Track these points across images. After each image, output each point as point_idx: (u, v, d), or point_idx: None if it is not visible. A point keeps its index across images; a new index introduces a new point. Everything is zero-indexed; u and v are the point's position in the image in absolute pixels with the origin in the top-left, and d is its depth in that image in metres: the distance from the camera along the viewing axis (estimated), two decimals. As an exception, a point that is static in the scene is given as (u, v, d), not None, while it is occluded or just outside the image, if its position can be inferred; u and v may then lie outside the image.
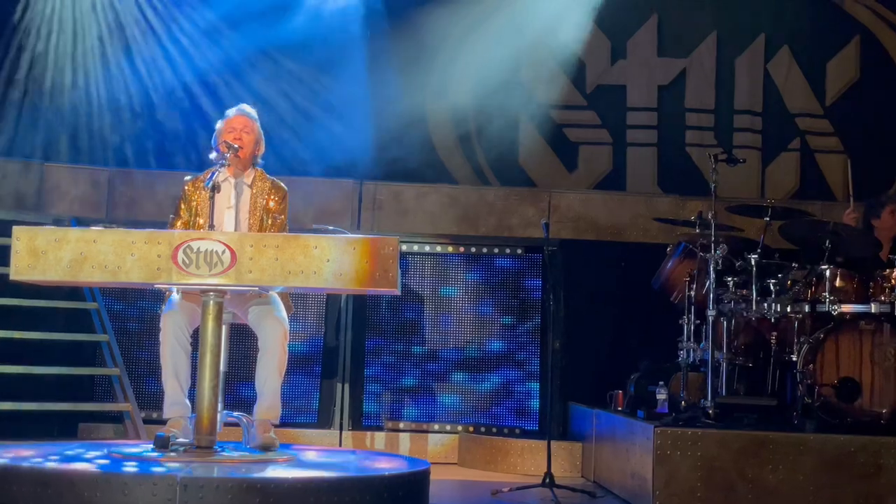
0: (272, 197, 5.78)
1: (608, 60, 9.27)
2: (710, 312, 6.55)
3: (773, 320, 6.60)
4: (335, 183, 8.58)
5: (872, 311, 6.36)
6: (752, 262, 6.63)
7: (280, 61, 8.81)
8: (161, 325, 5.51)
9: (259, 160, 5.87)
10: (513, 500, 6.42)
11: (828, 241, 6.55)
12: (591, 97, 9.23)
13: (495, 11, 9.11)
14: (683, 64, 9.29)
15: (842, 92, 9.24)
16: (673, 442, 5.78)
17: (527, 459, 7.58)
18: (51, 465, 4.84)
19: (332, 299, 8.15)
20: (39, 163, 8.35)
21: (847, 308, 6.43)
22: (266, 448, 5.42)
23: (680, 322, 7.00)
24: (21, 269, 4.93)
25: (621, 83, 9.29)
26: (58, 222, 7.79)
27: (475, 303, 8.29)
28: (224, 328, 5.28)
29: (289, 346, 5.61)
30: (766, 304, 6.59)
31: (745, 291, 6.70)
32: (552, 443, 6.76)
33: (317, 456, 5.81)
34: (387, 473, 5.10)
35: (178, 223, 5.75)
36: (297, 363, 7.95)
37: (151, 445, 5.26)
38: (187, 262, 4.89)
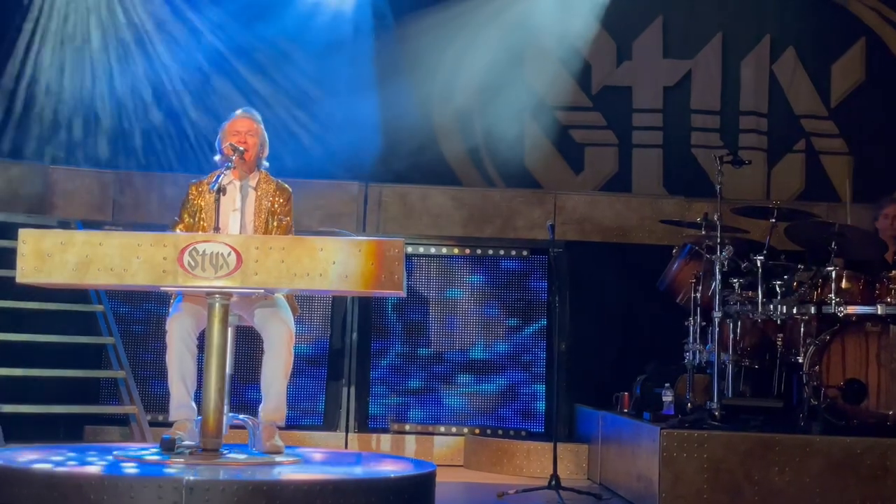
0: (277, 199, 5.78)
1: (614, 62, 9.27)
2: (716, 314, 6.54)
3: (779, 322, 6.59)
4: (340, 185, 8.58)
5: (879, 312, 6.35)
6: (758, 264, 6.62)
7: (287, 62, 8.81)
8: (167, 327, 5.51)
9: (264, 162, 5.88)
10: (519, 503, 6.42)
11: (833, 243, 6.54)
12: (597, 98, 9.23)
13: (501, 12, 9.12)
14: (689, 65, 9.29)
15: (847, 94, 9.24)
16: (679, 444, 5.78)
17: (533, 461, 7.58)
18: (57, 467, 4.84)
19: (337, 301, 8.15)
20: (45, 165, 8.36)
21: (853, 310, 6.42)
22: (272, 451, 5.42)
23: (686, 324, 6.99)
24: (27, 271, 4.94)
25: (627, 84, 9.28)
26: (64, 225, 7.79)
27: (481, 304, 8.28)
28: (230, 330, 5.28)
29: (294, 348, 5.61)
30: (771, 306, 6.58)
31: (750, 293, 6.69)
32: (558, 445, 6.76)
33: (322, 458, 5.80)
34: (393, 476, 5.10)
35: (181, 226, 5.75)
36: (303, 365, 7.96)
37: (157, 448, 5.26)
38: (193, 264, 4.90)
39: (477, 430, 8.12)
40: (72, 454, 5.34)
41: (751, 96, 9.26)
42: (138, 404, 7.38)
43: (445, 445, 8.10)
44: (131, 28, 8.70)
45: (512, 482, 7.04)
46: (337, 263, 4.90)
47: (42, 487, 4.69)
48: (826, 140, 9.22)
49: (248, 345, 6.83)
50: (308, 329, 8.07)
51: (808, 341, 6.47)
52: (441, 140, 9.11)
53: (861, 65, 9.25)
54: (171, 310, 5.59)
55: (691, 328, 6.92)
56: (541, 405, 8.15)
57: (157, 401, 7.60)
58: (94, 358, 7.83)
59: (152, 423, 7.40)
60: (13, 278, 5.03)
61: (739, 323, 6.69)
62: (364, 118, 8.68)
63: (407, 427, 8.15)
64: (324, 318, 8.19)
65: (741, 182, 8.58)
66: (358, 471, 5.31)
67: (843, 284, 6.51)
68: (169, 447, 5.14)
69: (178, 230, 5.72)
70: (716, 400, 6.33)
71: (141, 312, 8.01)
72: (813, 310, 6.50)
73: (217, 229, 5.36)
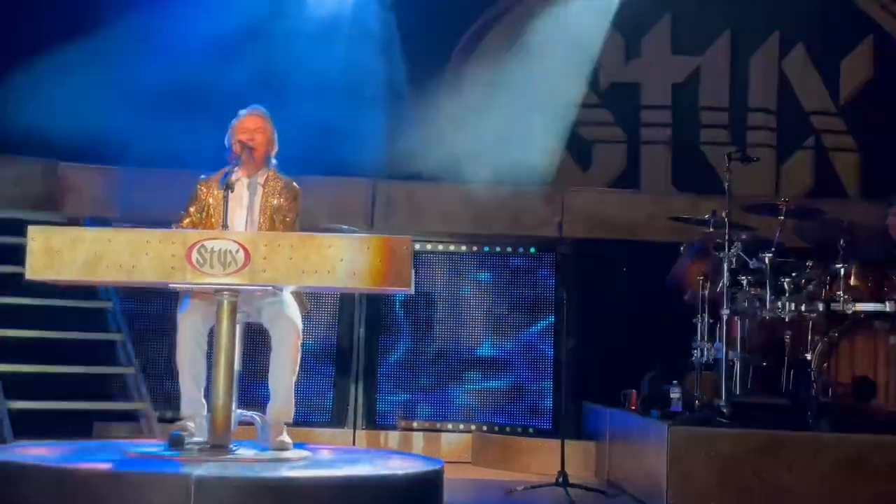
0: (283, 196, 5.78)
1: (622, 58, 9.26)
2: (725, 311, 6.54)
3: (787, 319, 6.58)
4: (349, 182, 8.59)
5: (887, 310, 6.34)
6: (767, 261, 6.62)
7: (294, 56, 8.81)
8: (177, 324, 5.53)
9: (272, 160, 5.88)
10: (526, 500, 6.43)
11: (842, 240, 6.53)
12: (606, 95, 9.22)
13: (510, 9, 9.12)
14: (698, 62, 9.28)
15: (856, 90, 9.22)
16: (687, 441, 5.78)
17: (540, 459, 7.58)
18: (66, 463, 4.85)
19: (345, 298, 8.16)
20: (54, 162, 8.37)
21: (862, 307, 6.41)
22: (280, 447, 5.43)
23: (694, 321, 6.98)
24: (37, 268, 4.95)
25: (635, 81, 9.28)
26: (73, 222, 7.81)
27: (488, 302, 8.29)
28: (238, 327, 5.29)
29: (302, 345, 5.61)
30: (780, 303, 6.57)
31: (759, 290, 6.68)
32: (566, 442, 6.76)
33: (330, 455, 5.81)
34: (401, 473, 5.10)
35: (187, 221, 5.75)
36: (311, 362, 7.97)
37: (166, 444, 5.27)
38: (201, 261, 4.90)
39: (485, 427, 8.12)
40: (81, 450, 5.35)
41: (759, 93, 9.25)
42: (147, 401, 7.40)
43: (453, 442, 8.10)
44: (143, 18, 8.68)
45: (520, 479, 7.05)
46: (345, 260, 4.91)
47: (51, 484, 4.70)
48: (835, 137, 9.21)
49: (257, 342, 6.84)
50: (316, 326, 8.07)
51: (816, 339, 6.46)
52: (449, 137, 9.10)
53: (870, 61, 9.24)
54: (180, 307, 5.60)
55: (699, 326, 6.91)
56: (548, 402, 8.15)
57: (165, 397, 7.61)
58: (103, 354, 7.85)
59: (161, 420, 7.41)
60: (22, 275, 5.04)
61: (748, 320, 6.68)
62: (373, 115, 8.68)
63: (415, 424, 8.15)
64: (332, 314, 8.20)
65: (750, 179, 8.54)
66: (366, 468, 5.32)
67: (852, 282, 6.50)
68: (178, 443, 5.16)
69: (184, 224, 5.73)
70: (724, 397, 6.32)
71: (150, 309, 8.02)
72: (822, 307, 6.49)
73: (225, 226, 5.37)
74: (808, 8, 9.25)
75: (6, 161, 8.32)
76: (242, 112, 5.85)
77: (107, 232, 5.02)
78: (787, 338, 6.60)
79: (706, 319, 6.88)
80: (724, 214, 6.60)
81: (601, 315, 8.24)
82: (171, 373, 5.60)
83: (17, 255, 6.17)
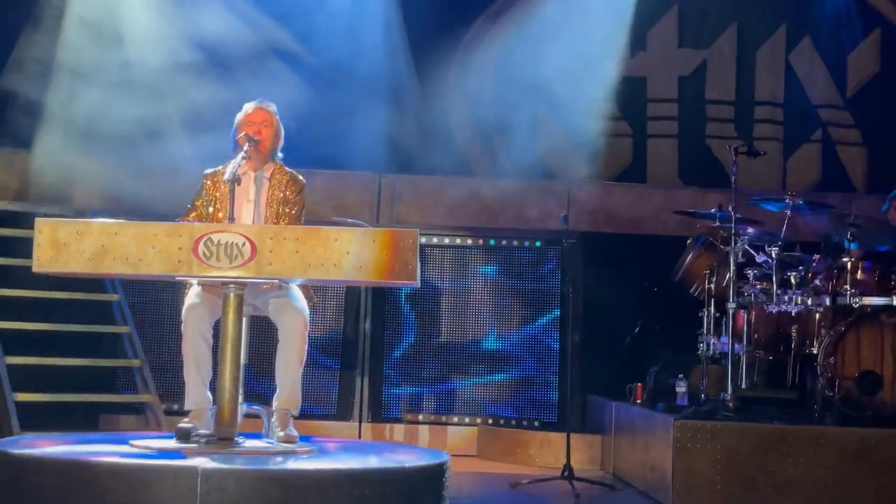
0: (289, 189, 5.78)
1: (629, 52, 9.24)
2: (731, 305, 6.54)
3: (793, 313, 6.59)
4: (355, 175, 8.59)
5: (894, 303, 6.34)
6: (773, 255, 6.62)
7: (303, 54, 8.81)
8: (183, 317, 5.53)
9: (278, 153, 5.88)
10: (532, 493, 6.43)
11: (849, 234, 6.52)
12: (612, 89, 9.20)
13: (515, 3, 9.11)
14: (704, 55, 9.27)
15: (863, 84, 9.21)
16: (692, 435, 5.78)
17: (546, 452, 7.58)
18: (73, 456, 4.86)
19: (351, 291, 8.16)
20: (61, 156, 8.38)
21: (868, 301, 6.41)
22: (286, 440, 5.44)
23: (700, 315, 6.98)
24: (43, 261, 4.95)
25: (641, 75, 9.26)
26: (79, 214, 7.81)
27: (494, 295, 8.29)
28: (244, 320, 5.30)
29: (308, 338, 5.62)
30: (786, 297, 6.58)
31: (765, 284, 6.68)
32: (571, 435, 6.77)
33: (336, 448, 5.82)
34: (406, 466, 5.11)
35: (193, 215, 5.76)
36: (317, 355, 7.98)
37: (173, 437, 5.28)
38: (208, 254, 4.91)
39: (490, 421, 8.13)
40: (87, 443, 5.36)
41: (766, 86, 9.24)
42: (154, 393, 7.42)
43: (459, 435, 8.11)
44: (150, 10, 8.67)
45: (525, 472, 7.05)
46: (351, 254, 4.91)
47: (58, 476, 4.71)
48: (842, 130, 9.19)
49: (263, 335, 6.85)
50: (322, 319, 8.08)
51: (822, 332, 6.46)
52: (455, 130, 9.11)
53: (877, 55, 9.22)
54: (186, 300, 5.61)
55: (705, 319, 6.91)
56: (554, 395, 8.15)
57: (172, 390, 7.63)
58: (109, 347, 7.87)
59: (167, 412, 7.43)
60: (29, 268, 5.05)
61: (754, 314, 6.68)
62: (379, 108, 8.68)
63: (420, 417, 8.17)
64: (337, 307, 8.21)
65: (756, 172, 8.56)
66: (372, 460, 5.32)
67: (858, 275, 6.50)
68: (184, 436, 5.16)
69: (190, 218, 5.73)
70: (730, 391, 6.33)
71: (156, 302, 8.03)
72: (828, 301, 6.49)
73: (232, 220, 5.37)
74: (815, 1, 9.24)
75: (12, 154, 8.33)
76: (248, 105, 5.85)
77: (113, 225, 5.02)
78: (794, 332, 6.60)
79: (712, 313, 6.88)
80: (730, 208, 6.60)
81: (606, 308, 8.24)
82: (178, 365, 5.61)
83: (24, 247, 6.19)
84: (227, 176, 5.43)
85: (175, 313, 5.75)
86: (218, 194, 5.74)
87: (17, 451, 4.91)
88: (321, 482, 4.73)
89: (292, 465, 4.99)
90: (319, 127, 8.58)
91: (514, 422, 8.11)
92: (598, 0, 8.94)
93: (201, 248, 4.91)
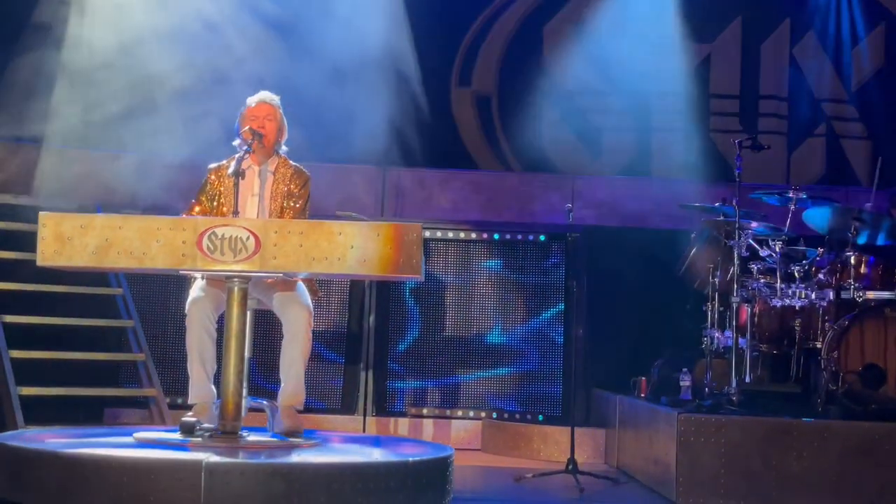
0: (293, 182, 5.79)
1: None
2: (735, 299, 6.53)
3: (797, 307, 6.58)
4: (359, 169, 8.59)
5: (898, 297, 6.34)
6: (777, 249, 6.61)
7: (304, 47, 8.80)
8: (187, 311, 5.54)
9: (282, 147, 5.88)
10: (536, 487, 6.43)
11: (853, 228, 6.52)
12: (616, 83, 9.20)
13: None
14: (708, 49, 9.25)
15: (867, 78, 9.19)
16: (696, 429, 5.78)
17: (550, 445, 7.59)
18: (77, 449, 4.87)
19: (355, 285, 8.17)
20: (65, 149, 8.38)
21: (872, 295, 6.40)
22: (290, 434, 5.45)
23: (704, 309, 6.98)
24: (47, 255, 4.97)
25: (646, 69, 9.25)
26: (83, 209, 7.81)
27: (498, 289, 8.28)
28: (248, 314, 5.30)
29: (312, 332, 5.62)
30: (790, 291, 6.57)
31: (769, 278, 6.68)
32: (575, 429, 6.76)
33: (341, 442, 5.83)
34: (411, 459, 5.11)
35: (197, 209, 5.76)
36: (321, 349, 7.98)
37: (177, 431, 5.29)
38: (212, 248, 4.91)
39: (494, 414, 8.13)
40: (91, 436, 5.38)
41: (771, 80, 9.22)
42: (158, 387, 7.42)
43: (463, 429, 8.11)
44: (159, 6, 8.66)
45: (529, 466, 7.06)
46: (355, 248, 4.91)
47: (62, 469, 4.72)
48: (846, 124, 9.18)
49: (267, 329, 6.86)
50: (326, 313, 8.09)
51: (826, 326, 6.46)
52: (459, 124, 9.11)
53: (881, 49, 9.20)
54: (190, 293, 5.61)
55: (709, 313, 6.91)
56: (558, 389, 8.15)
57: (176, 384, 7.63)
58: (113, 341, 7.88)
59: (172, 406, 7.43)
60: (33, 261, 5.06)
61: (757, 308, 6.67)
62: (382, 102, 8.67)
63: (424, 411, 8.17)
64: (342, 302, 8.21)
65: (761, 166, 8.54)
66: (376, 454, 5.33)
67: (862, 270, 6.49)
68: (188, 430, 5.17)
69: (194, 213, 5.74)
70: (734, 385, 6.32)
71: (160, 296, 8.03)
72: (832, 295, 6.49)
73: (236, 214, 5.38)
74: (819, -6, 9.25)
75: (15, 148, 8.33)
76: (251, 99, 5.85)
77: (117, 219, 5.02)
78: (797, 325, 6.60)
79: (716, 307, 6.88)
80: (734, 202, 6.59)
81: (611, 302, 8.24)
82: (182, 359, 5.62)
83: (28, 241, 6.20)
84: (231, 170, 5.44)
85: (179, 307, 5.76)
86: (222, 188, 5.74)
87: (21, 445, 4.93)
88: (325, 476, 4.74)
89: (296, 458, 4.99)
90: (324, 120, 8.58)
91: (518, 415, 8.12)
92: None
93: (205, 241, 4.92)
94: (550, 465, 6.92)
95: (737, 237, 6.55)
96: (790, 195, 6.79)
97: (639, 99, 9.19)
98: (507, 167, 9.06)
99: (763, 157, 7.60)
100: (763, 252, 6.78)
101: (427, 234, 8.09)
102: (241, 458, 4.81)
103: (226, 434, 5.14)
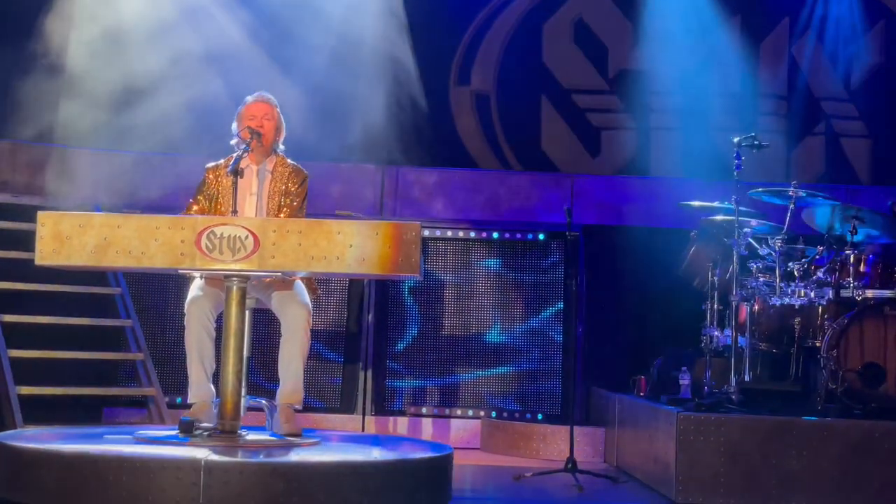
0: (291, 181, 5.78)
1: (631, 45, 9.23)
2: (734, 298, 6.53)
3: (796, 305, 6.58)
4: (358, 168, 8.58)
5: (898, 296, 6.34)
6: (776, 247, 6.60)
7: (302, 45, 8.79)
8: (186, 310, 5.54)
9: (280, 146, 5.88)
10: (535, 485, 6.43)
11: (853, 226, 6.51)
12: (614, 82, 9.20)
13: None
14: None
15: (867, 76, 9.18)
16: (696, 427, 5.77)
17: (549, 444, 7.58)
18: (76, 449, 4.87)
19: (354, 284, 8.16)
20: (63, 147, 8.38)
21: (871, 293, 6.40)
22: (289, 433, 5.44)
23: (703, 307, 6.97)
24: (46, 254, 4.97)
25: (644, 68, 9.25)
26: (82, 208, 7.81)
27: (498, 288, 8.28)
28: (247, 313, 5.30)
29: (311, 332, 5.62)
30: (789, 290, 6.57)
31: (768, 276, 6.68)
32: (575, 428, 6.76)
33: (340, 441, 5.82)
34: (410, 458, 5.11)
35: (195, 208, 5.76)
36: (320, 348, 7.98)
37: (176, 430, 5.28)
38: (211, 247, 4.91)
39: (494, 413, 8.12)
40: (90, 436, 5.37)
41: (770, 78, 9.21)
42: (157, 386, 7.42)
43: (462, 428, 8.11)
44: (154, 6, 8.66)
45: (529, 465, 7.05)
46: (354, 246, 4.91)
47: (61, 469, 4.72)
48: (846, 122, 9.17)
49: (266, 328, 6.85)
50: (325, 312, 8.08)
51: (826, 325, 6.45)
52: (458, 123, 9.11)
53: (881, 47, 9.20)
54: (189, 293, 5.61)
55: (709, 312, 6.91)
56: (557, 388, 8.15)
57: (175, 383, 7.63)
58: (112, 340, 7.87)
59: (170, 406, 7.43)
60: (32, 260, 5.06)
61: (757, 306, 6.67)
62: (380, 100, 8.67)
63: (424, 410, 8.16)
64: (340, 300, 8.20)
65: (760, 165, 8.52)
66: (375, 453, 5.33)
67: (862, 268, 6.49)
68: (187, 429, 5.17)
69: (192, 212, 5.73)
70: (733, 384, 6.32)
71: (159, 295, 8.02)
72: (831, 293, 6.48)
73: (235, 213, 5.37)
74: (819, -7, 9.23)
75: (15, 146, 8.33)
76: (249, 98, 5.85)
77: (116, 218, 5.02)
78: (797, 324, 6.59)
79: (716, 305, 6.87)
80: (734, 200, 6.59)
81: (610, 301, 8.24)
82: (181, 358, 5.61)
83: (26, 240, 6.19)
84: (229, 168, 5.43)
85: (178, 306, 5.75)
86: (220, 188, 5.74)
87: (20, 445, 4.92)
88: (324, 475, 4.73)
89: (295, 457, 4.99)
90: (322, 119, 8.58)
91: (517, 414, 8.11)
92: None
93: (204, 240, 4.91)
94: (550, 464, 6.92)
95: (736, 236, 6.54)
96: (790, 193, 6.79)
97: (638, 98, 9.19)
98: (507, 166, 9.05)
99: (763, 156, 7.57)
100: (762, 250, 6.77)
101: (426, 233, 8.09)
102: (240, 457, 4.80)
103: (225, 433, 5.14)
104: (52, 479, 4.72)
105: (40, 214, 5.00)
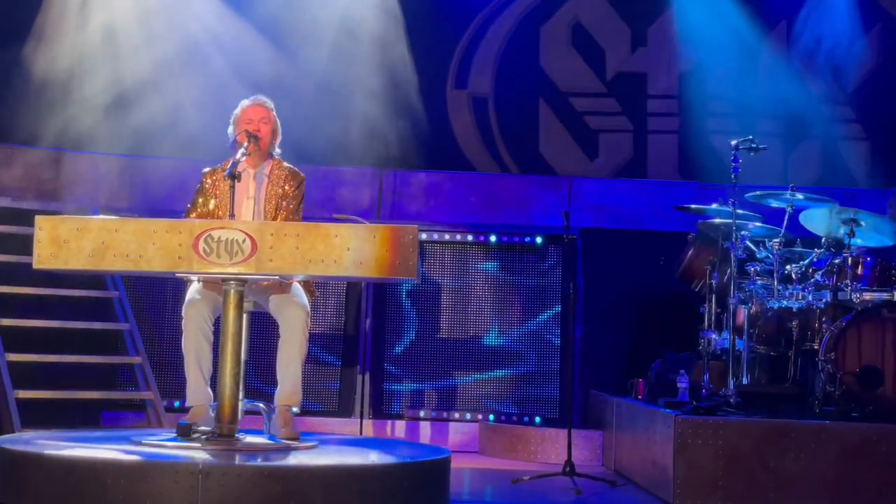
0: (287, 184, 5.78)
1: (628, 48, 9.24)
2: (732, 300, 6.53)
3: (794, 308, 6.58)
4: (355, 171, 8.58)
5: (895, 299, 6.33)
6: (774, 250, 6.61)
7: (299, 48, 8.80)
8: (183, 314, 5.53)
9: (276, 149, 5.88)
10: (533, 489, 6.43)
11: (850, 229, 6.52)
12: (612, 85, 9.21)
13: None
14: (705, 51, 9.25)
15: (864, 79, 9.19)
16: (694, 430, 5.77)
17: (547, 448, 7.58)
18: (74, 452, 4.87)
19: (352, 287, 8.16)
20: (62, 151, 8.38)
21: (869, 296, 6.40)
22: (287, 436, 5.44)
23: (701, 310, 6.98)
24: (44, 257, 4.96)
25: (642, 71, 9.26)
26: (80, 211, 7.81)
27: (495, 291, 8.29)
28: (245, 316, 5.30)
29: (309, 334, 5.62)
30: (787, 293, 6.57)
31: (766, 279, 6.68)
32: (572, 431, 6.76)
33: (337, 444, 5.82)
34: (407, 461, 5.11)
35: (194, 213, 5.76)
36: (318, 351, 7.98)
37: (173, 433, 5.28)
38: (208, 250, 4.91)
39: (491, 417, 8.12)
40: (88, 440, 5.36)
41: (767, 81, 9.21)
42: (154, 390, 7.41)
43: (460, 432, 8.11)
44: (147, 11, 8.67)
45: (526, 469, 7.05)
46: (351, 250, 4.91)
47: (59, 472, 4.72)
48: (843, 125, 9.17)
49: (264, 331, 6.85)
50: (322, 315, 8.08)
51: (823, 328, 6.45)
52: (455, 126, 9.11)
53: (879, 49, 9.20)
54: (186, 296, 5.61)
55: (706, 315, 6.91)
56: (555, 391, 8.15)
57: (173, 386, 7.63)
58: (110, 344, 7.86)
59: (168, 409, 7.43)
60: (30, 264, 5.05)
61: (755, 309, 6.67)
62: (378, 103, 8.67)
63: (421, 413, 8.16)
64: (338, 304, 8.21)
65: (757, 168, 8.52)
66: (373, 456, 5.32)
67: (859, 271, 6.49)
68: (185, 433, 5.17)
69: (191, 217, 5.73)
70: (731, 387, 6.32)
71: (156, 298, 8.02)
72: (829, 296, 6.48)
73: (232, 217, 5.37)
74: (816, -4, 9.24)
75: (13, 151, 8.33)
76: (245, 102, 5.84)
77: (113, 221, 5.02)
78: (795, 327, 6.59)
79: (713, 309, 6.87)
80: (731, 203, 6.59)
81: (608, 304, 8.24)
82: (179, 362, 5.61)
83: (24, 244, 6.19)
84: (227, 172, 5.43)
85: (175, 310, 5.75)
86: (217, 192, 5.74)
87: (18, 449, 4.92)
88: (322, 478, 4.73)
89: (293, 461, 4.99)
90: (320, 123, 8.58)
91: (515, 418, 8.11)
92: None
93: (202, 244, 4.91)
94: (548, 468, 6.92)
95: (734, 238, 6.54)
96: (787, 196, 6.79)
97: (635, 101, 9.19)
98: (504, 169, 9.06)
99: (760, 159, 7.58)
100: (760, 253, 6.78)
101: (424, 236, 8.09)
102: (237, 461, 4.80)
103: (222, 437, 5.13)
104: (50, 483, 4.72)
105: (38, 218, 5.00)
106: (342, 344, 8.20)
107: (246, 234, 4.93)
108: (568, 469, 6.52)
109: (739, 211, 6.62)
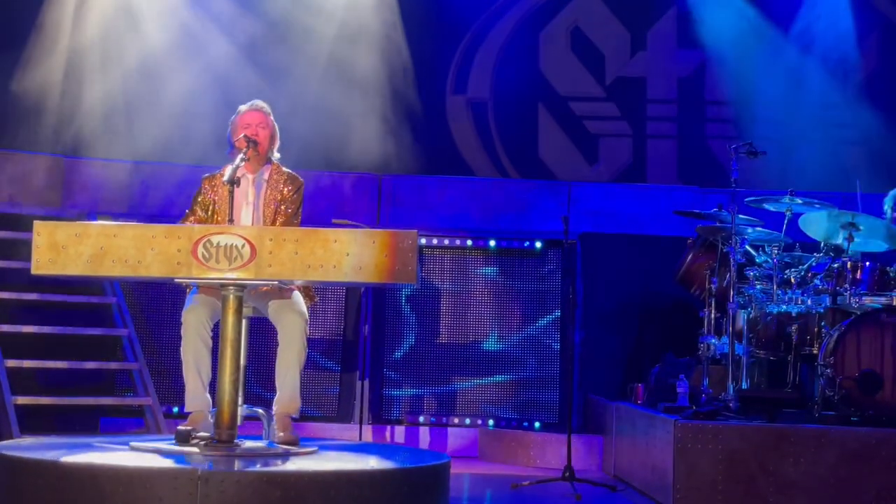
0: (286, 188, 5.77)
1: (628, 52, 9.25)
2: (731, 305, 6.52)
3: (794, 313, 6.57)
4: (355, 177, 8.58)
5: (894, 303, 6.32)
6: (774, 255, 6.60)
7: (298, 53, 8.80)
8: (182, 319, 5.52)
9: (275, 154, 5.87)
10: (533, 494, 6.42)
11: (849, 233, 6.51)
12: (611, 89, 9.21)
13: (516, 2, 9.13)
14: (703, 56, 9.25)
15: (863, 82, 9.19)
16: (693, 435, 5.77)
17: (547, 453, 7.58)
18: (72, 458, 4.86)
19: (351, 292, 8.16)
20: (61, 157, 8.38)
21: (869, 301, 6.39)
22: (286, 442, 5.43)
23: (700, 315, 6.97)
24: (42, 263, 4.95)
25: (641, 75, 9.26)
26: (79, 217, 7.81)
27: (495, 296, 8.28)
28: (244, 322, 5.29)
29: (308, 340, 5.61)
30: (787, 297, 6.56)
31: (765, 284, 6.67)
32: (572, 436, 6.75)
33: (337, 449, 5.80)
34: (407, 467, 5.10)
35: (192, 219, 5.75)
36: (317, 357, 7.98)
37: (172, 439, 5.27)
38: (207, 256, 4.90)
39: (491, 422, 8.12)
40: (87, 446, 5.35)
41: (766, 85, 9.21)
42: (153, 396, 7.41)
43: (460, 437, 8.10)
44: (146, 18, 8.68)
45: (526, 474, 7.04)
46: (351, 255, 4.90)
47: (57, 478, 4.71)
48: (842, 130, 9.18)
49: (263, 337, 6.85)
50: (322, 321, 8.08)
51: (823, 332, 6.45)
52: (455, 131, 9.11)
53: (878, 53, 9.21)
54: (185, 302, 5.60)
55: (706, 319, 6.91)
56: (555, 396, 8.15)
57: (171, 392, 7.63)
58: (109, 350, 7.86)
59: (167, 415, 7.43)
60: (28, 270, 5.05)
61: (754, 314, 6.66)
62: (377, 109, 8.68)
63: (421, 419, 8.16)
64: (337, 309, 8.20)
65: (756, 172, 8.53)
66: (372, 462, 5.31)
67: (859, 275, 6.48)
68: (184, 438, 5.15)
69: (190, 223, 5.72)
70: (730, 391, 6.31)
71: (155, 304, 8.02)
72: (828, 301, 6.48)
73: (231, 222, 5.37)
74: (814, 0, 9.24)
75: (11, 155, 8.33)
76: (242, 107, 5.83)
77: (112, 227, 5.01)
78: (794, 332, 6.59)
79: (713, 313, 6.87)
80: (731, 208, 6.58)
81: (607, 309, 8.24)
82: (178, 368, 5.60)
83: (23, 250, 6.19)
84: (226, 177, 5.42)
85: (174, 316, 5.74)
86: (216, 197, 5.73)
87: (16, 455, 4.91)
88: (321, 484, 4.72)
89: (292, 466, 4.98)
90: (319, 127, 8.59)
91: (514, 423, 8.11)
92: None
93: (200, 249, 4.91)
94: (547, 473, 6.90)
95: (733, 243, 6.54)
96: (786, 201, 6.79)
97: (634, 105, 9.20)
98: (504, 174, 9.06)
99: (759, 163, 7.59)
100: (759, 258, 6.77)
101: (423, 241, 8.09)
102: (236, 467, 4.79)
103: (221, 442, 5.12)
104: (48, 490, 4.70)
105: (36, 224, 4.99)
106: (342, 349, 8.19)
107: (245, 239, 4.92)
108: (567, 474, 6.52)
109: (739, 216, 6.61)
